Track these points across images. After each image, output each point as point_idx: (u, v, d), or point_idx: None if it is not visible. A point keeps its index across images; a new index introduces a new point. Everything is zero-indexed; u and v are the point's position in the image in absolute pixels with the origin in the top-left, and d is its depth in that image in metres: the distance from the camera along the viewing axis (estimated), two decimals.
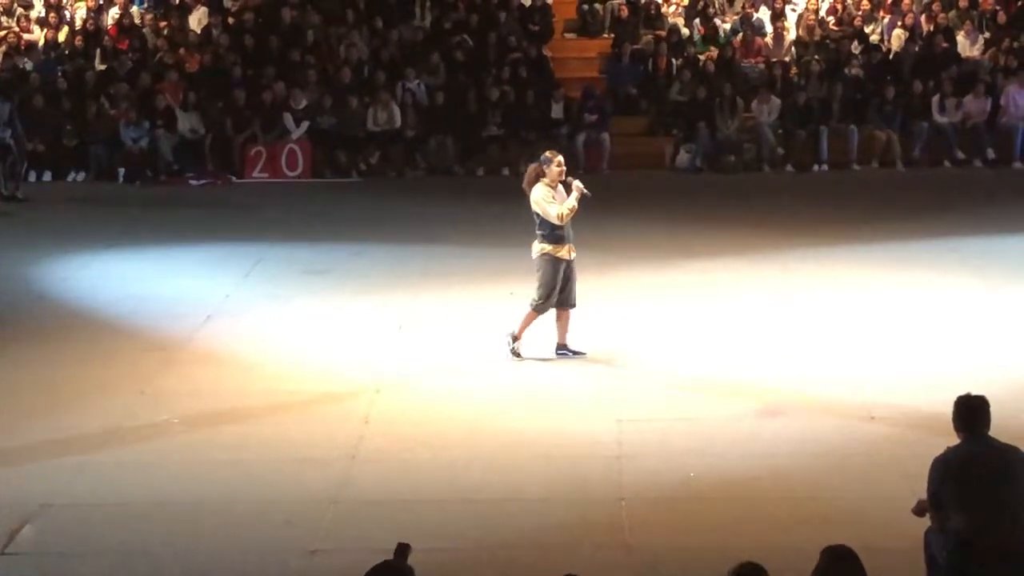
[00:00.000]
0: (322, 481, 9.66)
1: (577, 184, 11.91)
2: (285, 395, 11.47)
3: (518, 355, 12.10)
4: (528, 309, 12.10)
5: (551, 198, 11.86)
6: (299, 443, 10.34)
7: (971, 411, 7.17)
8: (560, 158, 12.09)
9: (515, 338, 12.11)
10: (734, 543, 8.29)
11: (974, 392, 7.32)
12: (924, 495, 7.15)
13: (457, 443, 10.31)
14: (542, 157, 12.13)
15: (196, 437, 10.52)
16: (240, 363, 12.36)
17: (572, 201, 11.84)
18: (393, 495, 9.45)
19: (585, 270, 15.16)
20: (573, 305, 12.14)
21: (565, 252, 11.94)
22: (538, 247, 11.97)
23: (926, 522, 7.42)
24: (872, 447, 10.12)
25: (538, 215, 11.89)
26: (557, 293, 11.97)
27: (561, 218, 11.79)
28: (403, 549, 6.30)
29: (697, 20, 23.95)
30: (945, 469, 7.09)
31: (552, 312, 12.15)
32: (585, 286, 14.53)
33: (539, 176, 11.94)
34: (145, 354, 12.57)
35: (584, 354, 12.16)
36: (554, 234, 11.87)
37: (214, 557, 8.58)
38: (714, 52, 23.22)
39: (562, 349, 12.21)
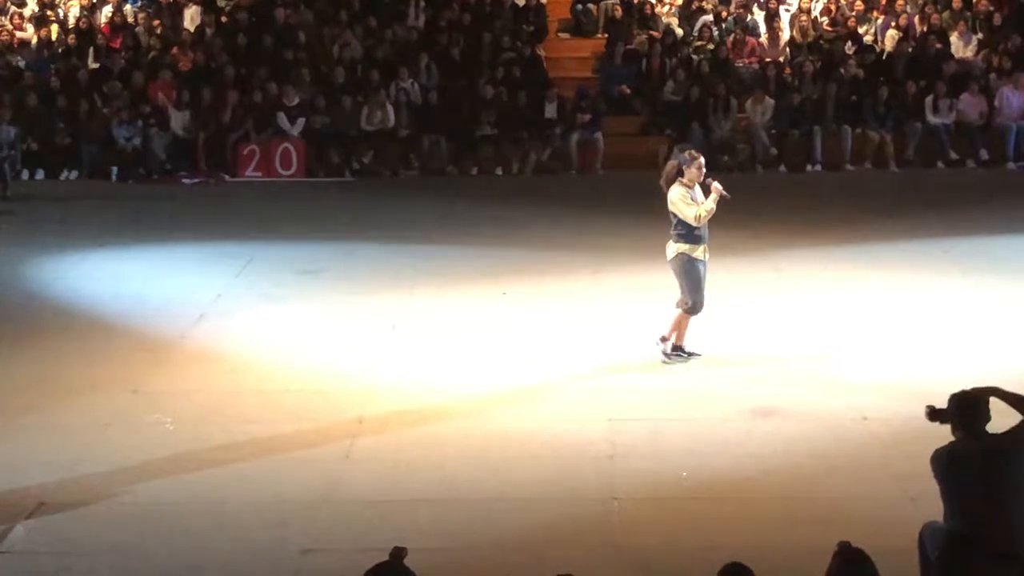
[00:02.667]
0: (315, 480, 9.65)
1: (716, 185, 11.68)
2: (277, 395, 11.47)
3: (679, 354, 11.89)
4: (677, 311, 11.88)
5: (689, 199, 11.65)
6: (292, 442, 10.33)
7: (966, 407, 7.13)
8: (701, 159, 11.84)
9: (664, 339, 11.91)
10: (726, 543, 8.29)
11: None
12: (916, 495, 7.15)
13: (450, 443, 10.30)
14: (682, 157, 11.88)
15: (188, 437, 10.50)
16: (232, 362, 12.35)
17: (710, 203, 11.65)
18: (386, 495, 9.44)
19: (579, 270, 15.26)
20: (699, 310, 11.94)
21: (700, 253, 11.77)
22: (674, 247, 11.77)
23: (919, 521, 7.43)
24: (864, 448, 10.12)
25: (675, 215, 11.72)
26: (703, 291, 11.79)
27: (698, 219, 11.60)
28: (399, 553, 6.28)
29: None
30: (938, 465, 7.08)
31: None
32: (578, 286, 14.60)
33: (678, 175, 11.74)
34: (137, 353, 12.56)
35: (699, 355, 11.97)
36: (692, 235, 11.68)
37: (207, 556, 8.57)
38: (707, 43, 23.26)
39: (676, 351, 12.00)
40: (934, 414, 7.12)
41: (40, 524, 9.03)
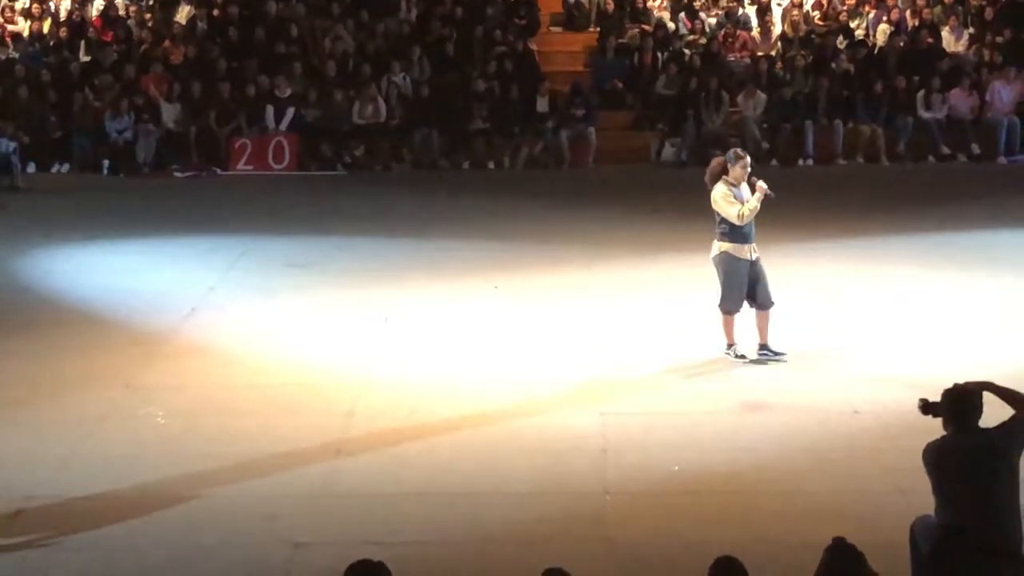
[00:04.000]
0: (306, 474, 9.65)
1: (761, 184, 11.53)
2: (269, 388, 11.47)
3: (741, 356, 11.74)
4: (722, 317, 11.75)
5: (732, 197, 11.50)
6: (284, 436, 10.33)
7: (959, 402, 7.11)
8: (748, 159, 11.71)
9: (729, 345, 11.78)
10: (717, 537, 8.31)
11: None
12: (907, 489, 7.14)
13: (441, 437, 10.31)
14: (728, 154, 11.79)
15: (180, 430, 10.50)
16: (224, 356, 12.34)
17: (754, 202, 11.49)
18: (377, 489, 9.45)
19: (571, 264, 15.27)
20: (769, 305, 11.73)
21: (746, 252, 11.59)
22: (717, 246, 11.62)
23: (910, 515, 7.45)
24: (854, 441, 10.14)
25: (718, 213, 11.59)
26: (742, 292, 11.61)
27: (741, 218, 11.43)
28: None
29: (683, 14, 23.99)
30: (929, 459, 7.08)
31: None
32: (571, 280, 14.61)
33: (722, 172, 11.60)
34: (129, 347, 12.55)
35: (784, 355, 11.74)
36: (735, 233, 11.52)
37: (198, 550, 8.57)
38: (699, 38, 23.30)
39: (763, 350, 11.78)
40: (927, 408, 7.12)
41: (31, 517, 9.02)
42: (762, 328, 11.81)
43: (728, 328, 11.83)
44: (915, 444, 7.37)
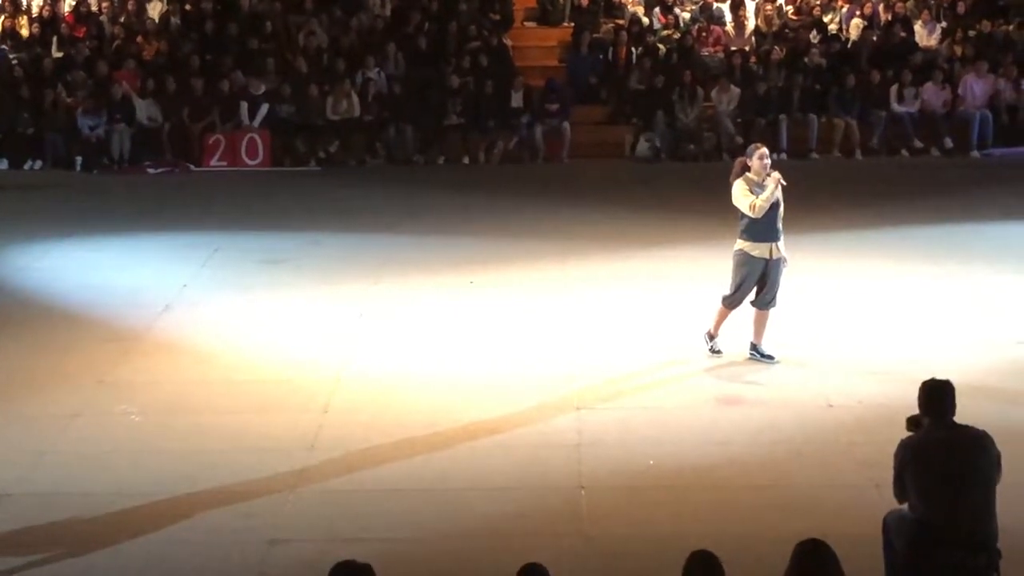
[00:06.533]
0: (281, 471, 9.63)
1: (775, 175, 11.33)
2: (244, 385, 11.45)
3: (717, 352, 11.68)
4: (720, 305, 11.66)
5: (748, 191, 11.30)
6: (258, 433, 10.32)
7: (936, 396, 7.15)
8: (763, 150, 11.49)
9: (711, 336, 11.72)
10: (692, 531, 8.33)
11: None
12: (880, 482, 7.14)
13: (417, 432, 10.30)
14: (748, 150, 11.64)
15: (154, 427, 10.48)
16: (198, 353, 12.32)
17: (767, 192, 11.25)
18: (352, 485, 9.44)
19: (546, 258, 15.28)
20: (765, 305, 11.55)
21: (764, 251, 11.37)
22: (737, 242, 11.46)
23: (883, 508, 7.47)
24: (829, 435, 10.17)
25: (738, 210, 11.41)
26: (749, 291, 11.50)
27: (754, 208, 11.21)
28: None
29: (657, 9, 24.03)
30: (904, 454, 7.11)
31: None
32: (546, 274, 14.62)
33: (745, 169, 11.41)
34: (103, 344, 12.51)
35: (774, 359, 11.60)
36: (752, 230, 11.32)
37: (173, 547, 8.55)
38: (673, 32, 23.33)
39: (753, 350, 11.68)
40: (914, 423, 7.16)
41: (5, 514, 8.99)
42: (757, 328, 11.71)
43: (719, 319, 11.77)
44: (889, 438, 7.41)
